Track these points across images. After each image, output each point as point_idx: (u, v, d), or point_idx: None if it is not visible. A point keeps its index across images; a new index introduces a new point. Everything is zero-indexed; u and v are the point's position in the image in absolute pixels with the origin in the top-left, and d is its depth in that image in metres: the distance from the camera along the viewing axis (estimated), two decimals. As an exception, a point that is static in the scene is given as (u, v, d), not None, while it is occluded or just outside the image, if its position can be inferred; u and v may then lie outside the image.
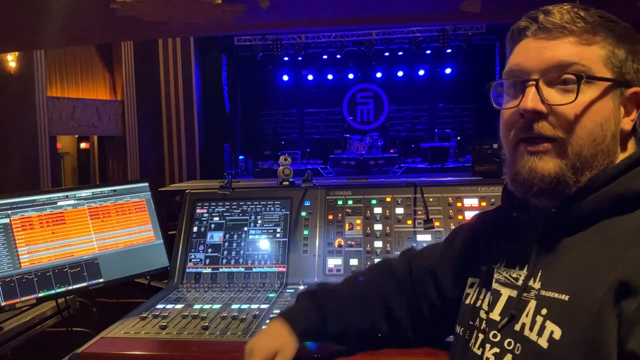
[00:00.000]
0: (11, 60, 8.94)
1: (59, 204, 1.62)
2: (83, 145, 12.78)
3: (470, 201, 1.93)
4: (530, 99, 0.83)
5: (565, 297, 0.78)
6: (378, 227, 1.93)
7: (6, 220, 1.51)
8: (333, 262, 1.89)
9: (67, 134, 11.59)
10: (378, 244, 1.90)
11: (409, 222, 1.92)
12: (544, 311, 0.80)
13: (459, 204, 1.93)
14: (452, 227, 1.88)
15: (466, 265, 1.06)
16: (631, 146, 0.88)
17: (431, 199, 1.94)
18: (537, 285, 0.84)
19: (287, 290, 1.77)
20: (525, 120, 0.84)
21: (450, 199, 1.94)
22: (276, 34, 12.01)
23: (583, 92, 0.81)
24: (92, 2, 5.89)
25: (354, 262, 1.88)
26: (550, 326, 0.78)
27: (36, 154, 9.34)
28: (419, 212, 1.92)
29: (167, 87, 11.47)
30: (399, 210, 1.95)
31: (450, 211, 1.92)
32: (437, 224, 1.88)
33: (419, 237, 1.89)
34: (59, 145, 11.15)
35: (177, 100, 11.50)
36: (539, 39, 0.85)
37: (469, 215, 1.90)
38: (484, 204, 1.91)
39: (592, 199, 0.81)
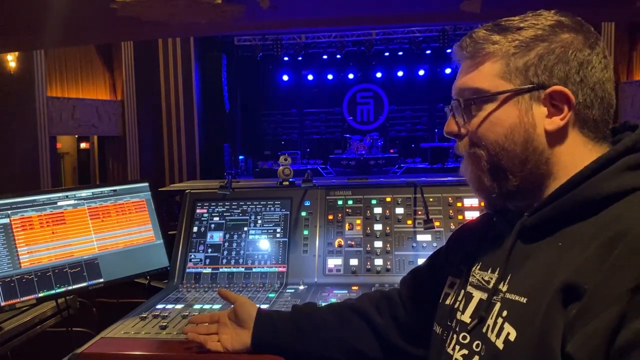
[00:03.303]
0: (11, 60, 8.94)
1: (59, 204, 1.62)
2: (83, 145, 12.78)
3: (470, 201, 1.93)
4: (446, 124, 0.96)
5: (524, 300, 0.79)
6: (378, 227, 1.93)
7: (6, 220, 1.51)
8: (333, 262, 1.89)
9: (67, 134, 11.59)
10: (378, 244, 1.90)
11: (409, 222, 1.92)
12: (504, 313, 0.82)
13: (459, 204, 1.93)
14: (452, 227, 1.88)
15: (449, 264, 1.07)
16: (572, 144, 0.85)
17: (431, 199, 1.94)
18: (504, 288, 0.85)
19: (287, 291, 1.77)
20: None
21: (450, 199, 1.94)
22: (276, 34, 12.01)
23: (485, 109, 0.88)
24: (92, 2, 5.90)
25: (354, 262, 1.88)
26: (507, 328, 0.79)
27: (36, 154, 9.34)
28: (419, 212, 1.92)
29: (167, 87, 11.48)
30: (399, 210, 1.95)
31: (450, 211, 1.92)
32: (437, 224, 1.88)
33: (419, 237, 1.89)
34: (59, 145, 11.15)
35: (177, 100, 11.51)
36: (461, 66, 0.94)
37: (469, 215, 1.90)
38: (483, 204, 1.91)
39: (556, 204, 0.82)
